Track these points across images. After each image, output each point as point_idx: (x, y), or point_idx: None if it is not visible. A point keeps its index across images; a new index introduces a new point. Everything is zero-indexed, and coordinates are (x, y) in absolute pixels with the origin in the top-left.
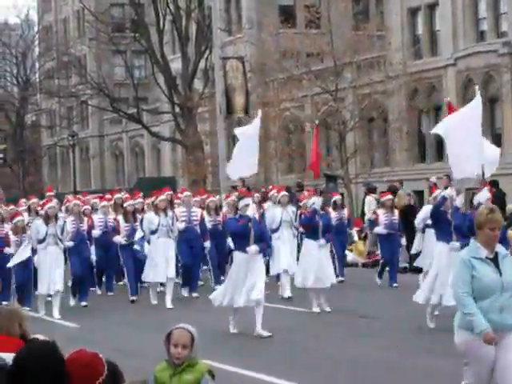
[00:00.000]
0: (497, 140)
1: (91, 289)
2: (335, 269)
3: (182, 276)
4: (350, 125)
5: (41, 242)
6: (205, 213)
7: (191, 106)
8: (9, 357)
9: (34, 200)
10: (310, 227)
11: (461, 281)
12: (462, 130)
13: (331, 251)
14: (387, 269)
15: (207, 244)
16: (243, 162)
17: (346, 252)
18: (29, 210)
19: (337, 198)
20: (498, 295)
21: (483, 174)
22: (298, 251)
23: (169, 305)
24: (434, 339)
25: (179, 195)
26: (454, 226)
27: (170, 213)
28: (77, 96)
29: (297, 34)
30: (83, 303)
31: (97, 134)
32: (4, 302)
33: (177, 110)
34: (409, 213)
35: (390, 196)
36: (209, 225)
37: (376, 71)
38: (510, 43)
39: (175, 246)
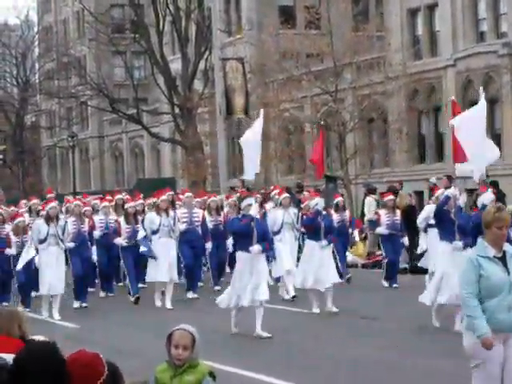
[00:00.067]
0: (497, 140)
1: (90, 289)
2: (338, 270)
3: (186, 277)
4: (349, 126)
5: (42, 242)
6: (206, 213)
7: (191, 106)
8: (9, 357)
9: (35, 201)
10: (312, 228)
11: (466, 281)
12: (468, 131)
13: (333, 252)
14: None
15: (208, 245)
16: (252, 162)
17: (346, 253)
18: (29, 210)
19: (339, 199)
20: (505, 294)
21: (488, 176)
22: (299, 252)
23: (168, 305)
24: (433, 339)
25: (180, 196)
26: (457, 226)
27: (171, 213)
28: (76, 97)
29: (296, 35)
30: (83, 304)
31: (96, 134)
32: (4, 303)
33: (176, 110)
34: (410, 213)
35: (391, 196)
36: (210, 225)
37: (376, 72)
38: (510, 44)
39: (177, 247)
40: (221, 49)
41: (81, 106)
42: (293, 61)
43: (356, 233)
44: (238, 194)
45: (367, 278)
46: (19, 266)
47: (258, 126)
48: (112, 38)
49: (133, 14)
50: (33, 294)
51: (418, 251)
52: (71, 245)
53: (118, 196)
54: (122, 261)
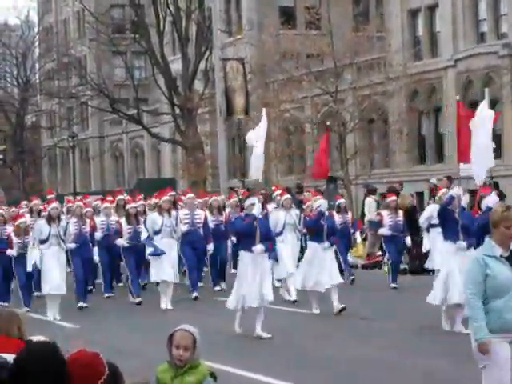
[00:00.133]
0: (497, 141)
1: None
2: (341, 271)
3: (190, 278)
4: (349, 126)
5: (43, 242)
6: (207, 212)
7: (191, 107)
8: (9, 357)
9: (36, 201)
10: (314, 230)
11: (471, 281)
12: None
13: (335, 252)
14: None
15: (210, 247)
16: (258, 162)
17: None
18: (31, 211)
19: (341, 201)
20: None
21: (492, 178)
22: (302, 253)
23: (169, 306)
24: (433, 339)
25: (182, 197)
26: (460, 226)
27: (173, 213)
28: (77, 97)
29: (297, 35)
30: (84, 304)
31: (97, 135)
32: (4, 304)
33: (177, 111)
34: (412, 213)
35: (394, 197)
36: (211, 224)
37: (376, 72)
38: (510, 45)
39: (179, 248)
40: (221, 49)
41: (81, 106)
42: (293, 61)
43: (358, 234)
44: (241, 195)
45: (367, 279)
46: (29, 268)
47: (263, 126)
48: (112, 38)
49: (133, 14)
50: (35, 293)
51: (424, 250)
52: (73, 246)
53: (120, 196)
54: (123, 261)
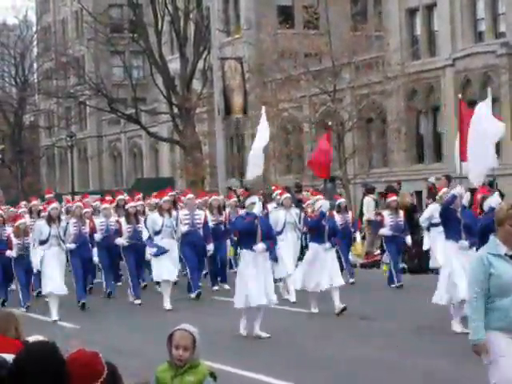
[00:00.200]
0: None
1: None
2: (342, 270)
3: (191, 278)
4: (348, 125)
5: (43, 243)
6: (207, 211)
7: (189, 106)
8: (7, 357)
9: (35, 202)
10: (316, 230)
11: (473, 280)
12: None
13: (337, 252)
14: (387, 270)
15: (210, 247)
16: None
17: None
18: (30, 212)
19: (341, 201)
20: None
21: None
22: (302, 253)
23: (168, 306)
24: (433, 339)
25: (182, 198)
26: (463, 225)
27: (174, 213)
28: (75, 97)
29: (295, 35)
30: (84, 300)
31: (95, 134)
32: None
33: (175, 110)
34: (412, 212)
35: (394, 197)
36: (211, 224)
37: (374, 72)
38: (509, 44)
39: (179, 248)
40: (219, 48)
41: (79, 106)
42: (291, 60)
43: (358, 234)
44: (240, 195)
45: (366, 278)
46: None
47: (263, 124)
48: (110, 38)
49: (131, 13)
50: (34, 293)
51: (424, 248)
52: (72, 246)
53: (120, 197)
54: (123, 260)
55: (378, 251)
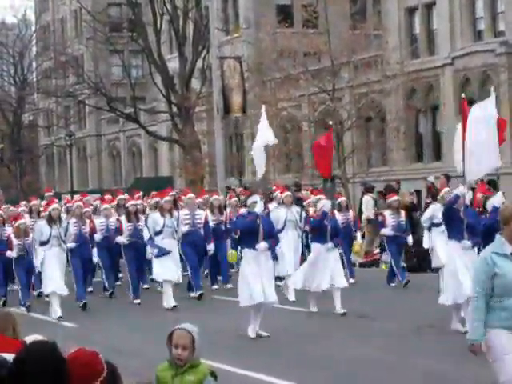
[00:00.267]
0: None
1: (89, 289)
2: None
3: (193, 278)
4: (347, 124)
5: (44, 243)
6: (208, 211)
7: (188, 105)
8: (8, 357)
9: (35, 202)
10: (319, 230)
11: (476, 279)
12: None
13: (340, 254)
14: (387, 268)
15: (210, 247)
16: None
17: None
18: (30, 211)
19: (342, 199)
20: None
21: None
22: (303, 252)
23: (169, 304)
24: (434, 339)
25: (182, 197)
26: (466, 225)
27: (175, 214)
28: (74, 96)
29: (294, 34)
30: (85, 300)
31: (94, 133)
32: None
33: (174, 109)
34: (411, 211)
35: (396, 197)
36: (211, 224)
37: (373, 71)
38: (508, 43)
39: (180, 249)
40: (218, 47)
41: (78, 105)
42: (290, 59)
43: (359, 233)
44: (239, 194)
45: (365, 277)
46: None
47: (264, 125)
48: (109, 37)
49: (130, 12)
50: (34, 293)
51: (425, 247)
52: (72, 245)
53: (121, 196)
54: (123, 258)
55: (378, 250)
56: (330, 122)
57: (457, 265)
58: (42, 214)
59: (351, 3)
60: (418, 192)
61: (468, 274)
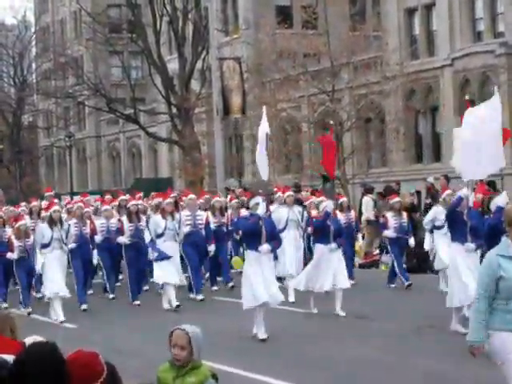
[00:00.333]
0: None
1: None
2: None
3: (194, 279)
4: (346, 125)
5: (46, 246)
6: (209, 213)
7: (188, 106)
8: (8, 358)
9: (35, 203)
10: (321, 231)
11: (480, 282)
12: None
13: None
14: (388, 269)
15: (211, 248)
16: (262, 163)
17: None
18: (30, 212)
19: (343, 199)
20: None
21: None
22: (305, 254)
23: (168, 305)
24: (433, 339)
25: (183, 198)
26: (469, 227)
27: (176, 216)
28: (74, 97)
29: (293, 35)
30: (86, 306)
31: (94, 134)
32: (4, 305)
33: (174, 110)
34: (412, 212)
35: (398, 198)
36: (212, 225)
37: (373, 72)
38: (507, 43)
39: (181, 250)
40: (218, 48)
41: (78, 106)
42: (290, 60)
43: (360, 233)
44: (239, 195)
45: (364, 278)
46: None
47: (264, 124)
48: (109, 38)
49: (130, 13)
50: (38, 295)
51: (426, 248)
52: (73, 245)
53: (122, 197)
54: (124, 258)
55: (377, 251)
56: (331, 122)
57: (460, 267)
58: (42, 215)
59: (351, 4)
60: (418, 193)
61: (472, 275)
